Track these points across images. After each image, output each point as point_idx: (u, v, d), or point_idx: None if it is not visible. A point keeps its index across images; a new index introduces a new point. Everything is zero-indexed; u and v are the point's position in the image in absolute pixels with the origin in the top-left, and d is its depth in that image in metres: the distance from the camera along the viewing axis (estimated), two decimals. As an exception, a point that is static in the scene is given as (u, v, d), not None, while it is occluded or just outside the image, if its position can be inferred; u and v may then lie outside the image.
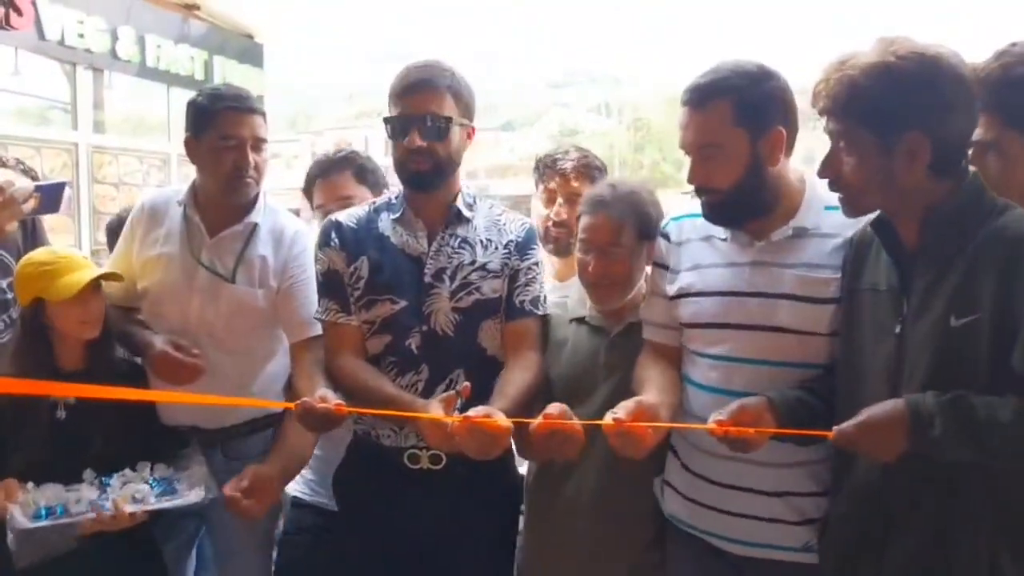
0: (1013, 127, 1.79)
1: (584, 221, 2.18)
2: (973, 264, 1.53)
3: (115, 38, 8.97)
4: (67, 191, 2.39)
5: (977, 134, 1.78)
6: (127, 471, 2.14)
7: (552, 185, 2.73)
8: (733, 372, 1.82)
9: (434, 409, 1.83)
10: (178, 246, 2.30)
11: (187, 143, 2.30)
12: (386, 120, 2.03)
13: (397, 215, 2.11)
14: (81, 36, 8.54)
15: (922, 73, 1.49)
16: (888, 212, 1.63)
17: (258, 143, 2.26)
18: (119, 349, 2.37)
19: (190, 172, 2.34)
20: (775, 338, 1.77)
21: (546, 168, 2.77)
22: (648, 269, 2.14)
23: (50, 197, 2.28)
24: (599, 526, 2.09)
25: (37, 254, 2.22)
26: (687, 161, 1.87)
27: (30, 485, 2.03)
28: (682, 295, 1.92)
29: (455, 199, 2.11)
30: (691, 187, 1.89)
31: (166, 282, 2.27)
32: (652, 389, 1.87)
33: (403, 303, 2.04)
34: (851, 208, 1.64)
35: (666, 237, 2.02)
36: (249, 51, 11.48)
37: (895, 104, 1.50)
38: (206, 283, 2.27)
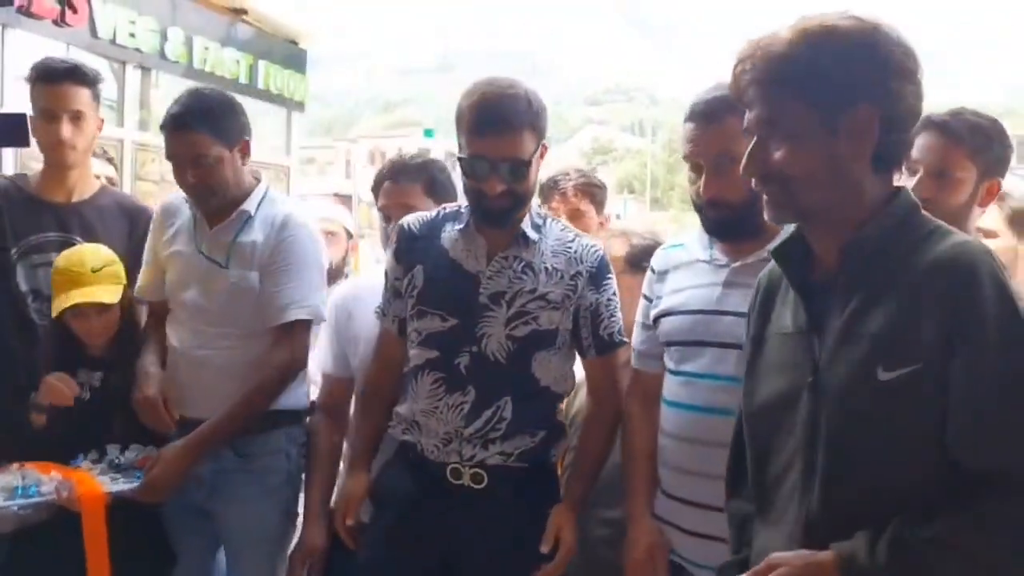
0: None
1: None
2: (910, 300, 1.22)
3: (164, 39, 9.18)
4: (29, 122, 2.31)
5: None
6: (94, 452, 2.25)
7: (554, 204, 2.92)
8: (699, 389, 1.84)
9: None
10: (186, 240, 2.37)
11: None
12: (460, 159, 1.96)
13: (461, 227, 2.04)
14: (132, 35, 8.75)
15: (865, 35, 1.26)
16: (822, 218, 1.34)
17: (198, 160, 2.21)
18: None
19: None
20: (740, 356, 1.72)
21: (548, 190, 2.95)
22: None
23: (7, 128, 2.23)
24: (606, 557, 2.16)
25: (61, 259, 2.32)
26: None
27: (15, 465, 2.17)
28: (662, 315, 1.95)
29: (522, 219, 2.03)
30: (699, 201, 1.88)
31: (178, 274, 2.38)
32: (641, 461, 1.96)
33: (454, 321, 1.98)
34: (781, 209, 1.35)
35: (652, 269, 2.04)
36: (293, 57, 11.68)
37: (839, 71, 1.25)
38: (205, 271, 2.31)
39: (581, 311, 2.02)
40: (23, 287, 2.43)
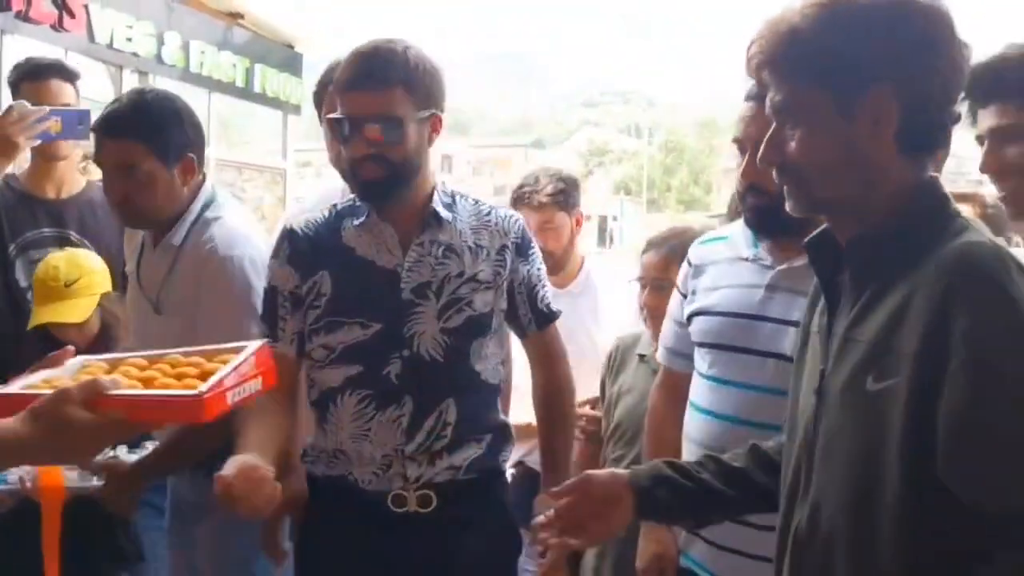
0: None
1: (640, 260, 2.37)
2: (903, 305, 1.09)
3: (161, 43, 9.19)
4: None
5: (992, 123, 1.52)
6: None
7: (524, 215, 2.87)
8: (731, 397, 1.75)
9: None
10: (133, 264, 2.17)
11: None
12: (329, 120, 1.77)
13: (361, 220, 1.81)
14: (129, 40, 8.76)
15: (882, 6, 1.12)
16: (839, 210, 1.22)
17: (128, 171, 1.94)
18: None
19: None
20: (779, 365, 1.65)
21: (516, 200, 2.79)
22: None
23: (73, 122, 2.28)
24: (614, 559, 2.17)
25: (40, 268, 2.30)
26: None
27: None
28: (696, 314, 1.85)
29: (430, 199, 1.82)
30: (739, 186, 1.78)
31: (128, 303, 2.22)
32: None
33: (376, 327, 1.75)
34: (801, 201, 1.22)
35: (688, 262, 1.94)
36: (289, 60, 11.69)
37: (852, 47, 1.12)
38: (143, 313, 2.11)
39: (516, 287, 1.87)
40: (23, 283, 2.48)
